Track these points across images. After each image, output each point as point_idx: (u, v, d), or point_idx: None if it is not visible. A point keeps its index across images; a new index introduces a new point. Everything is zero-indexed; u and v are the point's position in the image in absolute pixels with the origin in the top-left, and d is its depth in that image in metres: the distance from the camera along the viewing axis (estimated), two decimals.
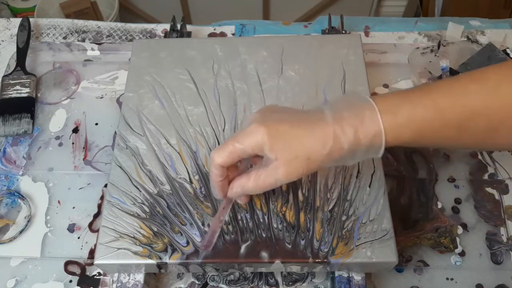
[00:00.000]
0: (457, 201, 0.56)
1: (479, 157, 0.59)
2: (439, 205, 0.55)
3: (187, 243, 0.45)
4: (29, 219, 0.55)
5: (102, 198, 0.57)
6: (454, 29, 0.72)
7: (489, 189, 0.57)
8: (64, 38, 0.74)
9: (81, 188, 0.58)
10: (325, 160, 0.37)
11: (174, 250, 0.45)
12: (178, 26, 0.70)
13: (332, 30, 0.69)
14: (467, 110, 0.36)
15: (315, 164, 0.37)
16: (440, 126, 0.37)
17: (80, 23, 0.76)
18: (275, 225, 0.46)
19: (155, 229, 0.46)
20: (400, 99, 0.38)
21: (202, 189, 0.48)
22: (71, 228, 0.55)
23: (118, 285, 0.47)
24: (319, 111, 0.39)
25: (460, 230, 0.54)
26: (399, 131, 0.37)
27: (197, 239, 0.45)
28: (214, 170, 0.40)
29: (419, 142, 0.39)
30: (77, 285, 0.51)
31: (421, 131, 0.37)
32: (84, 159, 0.60)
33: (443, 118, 0.37)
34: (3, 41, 0.74)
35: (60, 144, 0.62)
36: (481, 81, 0.37)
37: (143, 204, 0.48)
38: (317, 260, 0.44)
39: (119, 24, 0.76)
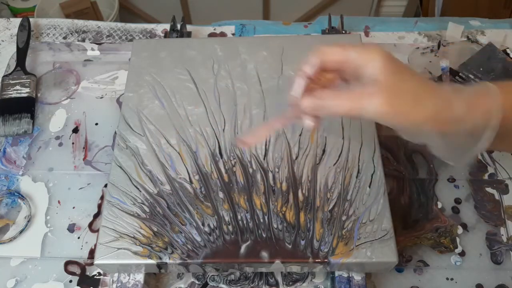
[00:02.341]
0: (457, 201, 0.56)
1: (479, 157, 0.59)
2: (439, 205, 0.55)
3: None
4: (29, 219, 0.55)
5: (102, 198, 0.57)
6: (454, 29, 0.72)
7: (489, 189, 0.57)
8: (64, 38, 0.74)
9: (81, 188, 0.58)
10: (427, 115, 0.34)
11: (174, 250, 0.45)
12: (178, 26, 0.70)
13: (332, 30, 0.69)
14: None
15: (419, 115, 0.33)
16: None
17: (80, 23, 0.76)
18: (275, 225, 0.46)
19: (155, 229, 0.46)
20: None
21: (202, 189, 0.48)
22: (71, 228, 0.55)
23: (118, 285, 0.47)
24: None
25: (460, 230, 0.54)
26: None
27: (197, 238, 0.45)
28: (312, 59, 0.36)
29: None
30: (77, 285, 0.51)
31: None
32: (84, 159, 0.60)
33: None
34: (3, 41, 0.74)
35: (60, 144, 0.62)
36: None
37: (143, 204, 0.48)
38: (317, 260, 0.44)
39: (119, 24, 0.76)
